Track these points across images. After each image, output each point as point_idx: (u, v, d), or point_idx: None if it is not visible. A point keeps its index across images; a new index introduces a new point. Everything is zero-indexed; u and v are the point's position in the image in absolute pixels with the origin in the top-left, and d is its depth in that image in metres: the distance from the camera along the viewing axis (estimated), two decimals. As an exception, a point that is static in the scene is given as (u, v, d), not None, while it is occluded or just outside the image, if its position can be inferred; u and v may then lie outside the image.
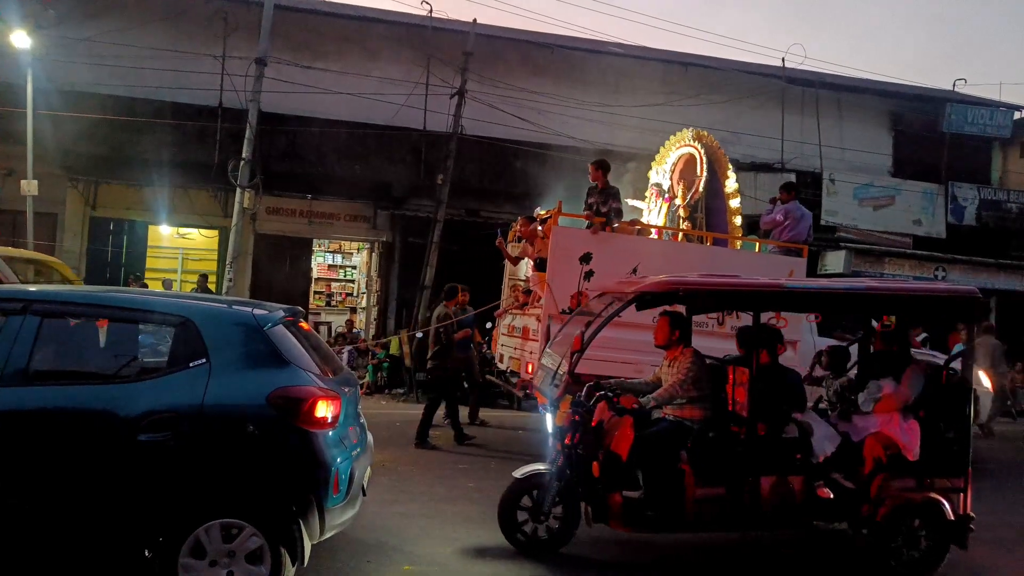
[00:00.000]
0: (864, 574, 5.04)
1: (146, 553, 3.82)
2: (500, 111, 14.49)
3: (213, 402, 3.83)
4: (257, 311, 4.26)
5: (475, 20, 14.84)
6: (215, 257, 15.37)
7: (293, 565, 3.88)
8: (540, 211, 8.84)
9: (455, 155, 14.21)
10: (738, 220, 9.45)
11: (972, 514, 5.05)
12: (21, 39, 12.38)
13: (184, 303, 4.29)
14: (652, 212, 9.99)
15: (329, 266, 18.94)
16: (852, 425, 5.28)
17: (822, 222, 16.64)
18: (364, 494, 4.55)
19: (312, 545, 4.01)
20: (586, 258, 7.41)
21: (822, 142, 17.05)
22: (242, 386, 3.91)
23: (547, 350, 6.11)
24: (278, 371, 3.98)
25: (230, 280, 12.56)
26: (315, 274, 18.15)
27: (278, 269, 15.35)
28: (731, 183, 9.51)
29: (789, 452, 4.98)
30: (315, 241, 16.87)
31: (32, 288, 5.39)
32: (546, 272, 7.52)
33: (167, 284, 14.75)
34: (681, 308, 5.46)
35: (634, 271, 7.19)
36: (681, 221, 9.28)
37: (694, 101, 16.64)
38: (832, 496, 4.97)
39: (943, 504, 4.94)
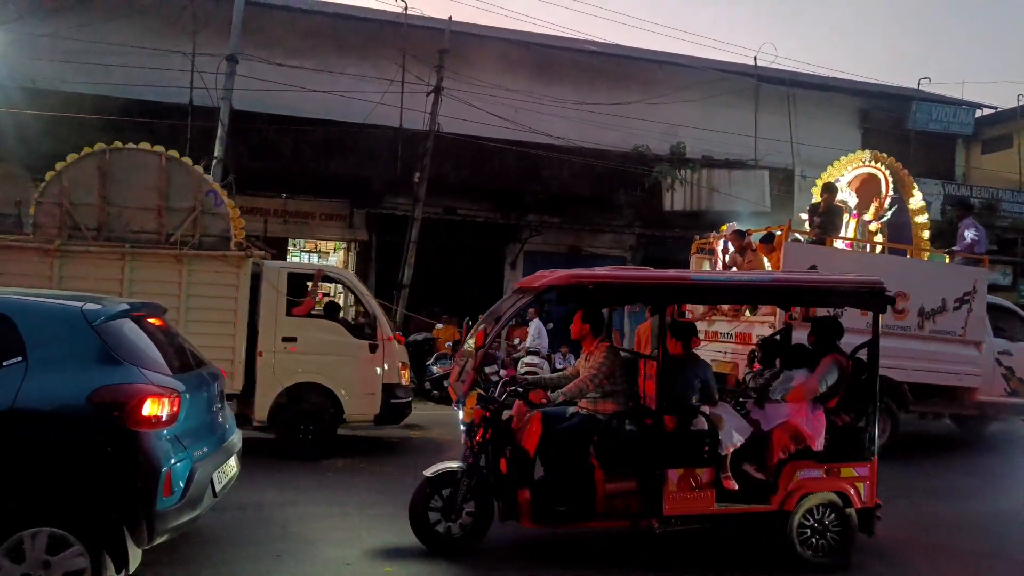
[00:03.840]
0: (775, 563, 5.10)
1: None
2: (477, 108, 14.42)
3: (26, 403, 3.69)
4: (88, 306, 4.09)
5: (450, 17, 14.76)
6: (186, 258, 15.03)
7: (118, 574, 3.77)
8: (734, 225, 9.61)
9: (432, 153, 14.10)
10: (926, 234, 10.15)
11: (879, 501, 5.19)
12: (-20, 34, 11.97)
13: (2, 298, 4.13)
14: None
15: (305, 266, 18.65)
16: (764, 414, 5.37)
17: (795, 217, 16.88)
18: (215, 495, 4.36)
19: (142, 550, 3.89)
20: (812, 269, 8.13)
21: (794, 139, 17.30)
22: (61, 385, 3.78)
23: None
24: (105, 369, 3.86)
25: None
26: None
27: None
28: (915, 200, 10.22)
29: (697, 445, 5.01)
30: (290, 241, 16.61)
31: None
32: None
33: None
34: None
35: None
36: (872, 236, 9.90)
37: (669, 99, 16.78)
38: (737, 488, 5.04)
39: (850, 492, 5.08)
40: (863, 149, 19.00)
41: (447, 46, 14.24)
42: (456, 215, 15.99)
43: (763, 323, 8.43)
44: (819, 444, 5.08)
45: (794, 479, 5.03)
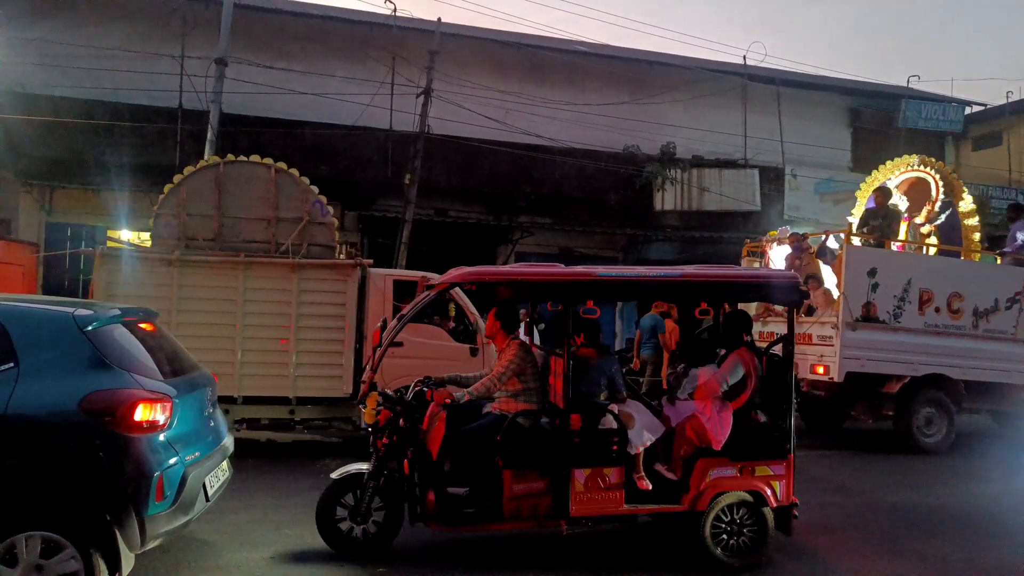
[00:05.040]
0: (689, 563, 5.03)
1: None
2: (467, 110, 14.46)
3: (18, 409, 3.70)
4: (79, 312, 4.09)
5: (439, 19, 14.77)
6: (178, 262, 15.03)
7: None
8: (788, 228, 10.12)
9: (422, 155, 14.12)
10: (976, 236, 10.44)
11: (796, 500, 5.10)
12: (-32, 40, 11.97)
13: None
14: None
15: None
16: (675, 411, 5.32)
17: (785, 216, 16.96)
18: (208, 499, 4.36)
19: (135, 555, 3.89)
20: (872, 272, 8.76)
21: (784, 138, 17.37)
22: (52, 391, 3.78)
23: None
24: (96, 374, 3.87)
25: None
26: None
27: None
28: (965, 204, 10.51)
29: (605, 444, 4.89)
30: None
31: None
32: (841, 284, 8.86)
33: None
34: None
35: (909, 282, 8.92)
36: (924, 238, 10.15)
37: (659, 99, 16.84)
38: (651, 487, 4.97)
39: (764, 491, 4.97)
40: (853, 148, 19.33)
41: (436, 48, 14.27)
42: (447, 217, 16.02)
43: (824, 323, 8.85)
44: (720, 443, 4.98)
45: (706, 478, 4.93)
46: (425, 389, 5.05)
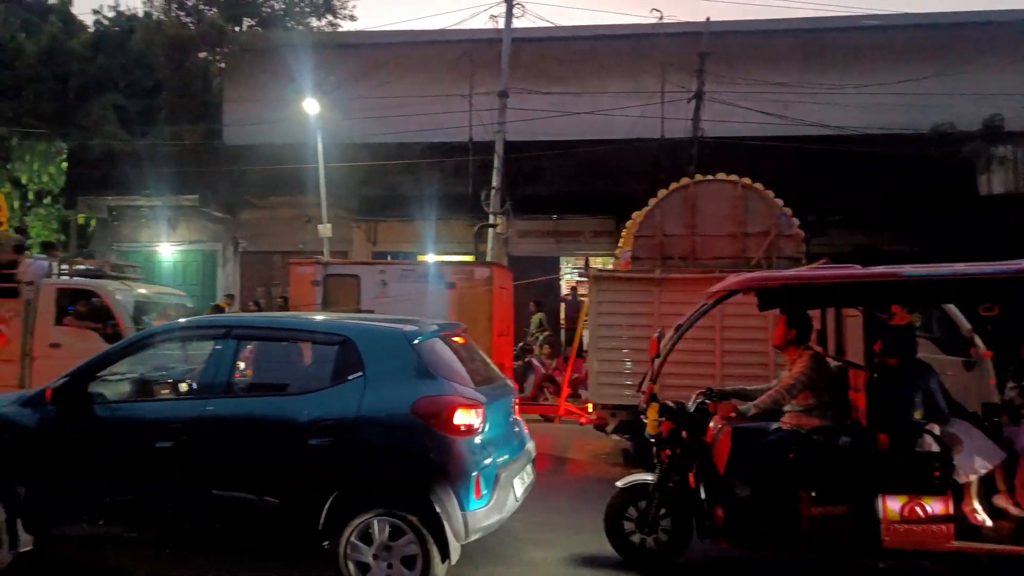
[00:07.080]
0: None
1: (324, 544, 4.32)
2: (742, 108, 13.85)
3: (367, 411, 4.28)
4: (407, 328, 4.63)
5: (708, 19, 14.42)
6: (473, 281, 16.62)
7: (443, 563, 4.19)
8: None
9: (696, 160, 13.84)
10: None
11: None
12: (311, 105, 14.56)
13: (344, 324, 4.78)
14: None
15: (578, 282, 19.40)
16: (1020, 433, 4.38)
17: None
18: (516, 500, 4.61)
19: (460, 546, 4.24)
20: None
21: None
22: (391, 397, 4.29)
23: None
24: (423, 382, 4.35)
25: (488, 301, 13.51)
26: (563, 291, 18.72)
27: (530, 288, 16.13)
28: None
29: (924, 469, 4.23)
30: (562, 259, 17.47)
31: (228, 316, 6.83)
32: None
33: None
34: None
35: None
36: None
37: (973, 66, 14.46)
38: (988, 523, 4.17)
39: None
40: None
41: (706, 49, 13.93)
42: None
43: None
44: None
45: None
46: (707, 401, 4.93)
